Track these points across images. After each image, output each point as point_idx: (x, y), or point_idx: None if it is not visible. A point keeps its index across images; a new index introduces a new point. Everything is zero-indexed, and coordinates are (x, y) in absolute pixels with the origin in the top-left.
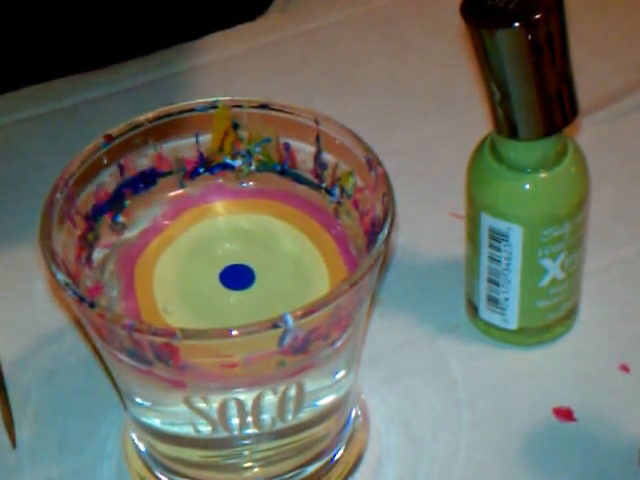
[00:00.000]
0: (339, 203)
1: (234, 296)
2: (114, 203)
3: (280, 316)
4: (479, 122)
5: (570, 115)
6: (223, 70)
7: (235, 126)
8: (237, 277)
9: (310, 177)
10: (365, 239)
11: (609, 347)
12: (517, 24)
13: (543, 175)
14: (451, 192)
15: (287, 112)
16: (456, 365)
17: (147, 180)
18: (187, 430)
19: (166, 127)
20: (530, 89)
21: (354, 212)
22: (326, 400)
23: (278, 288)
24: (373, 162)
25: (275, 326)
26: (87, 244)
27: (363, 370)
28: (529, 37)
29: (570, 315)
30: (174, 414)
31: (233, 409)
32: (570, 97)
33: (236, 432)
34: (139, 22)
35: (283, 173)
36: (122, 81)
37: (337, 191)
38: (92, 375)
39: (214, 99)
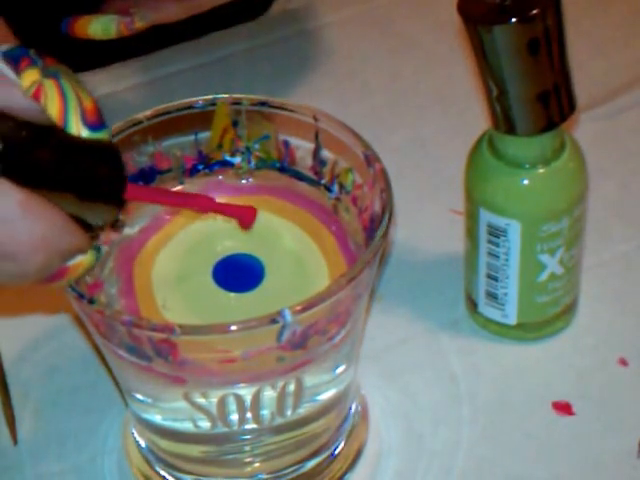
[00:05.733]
0: (338, 199)
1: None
2: None
3: (278, 311)
4: (478, 119)
5: (568, 111)
6: (223, 69)
7: (234, 123)
8: (237, 275)
9: (309, 174)
10: (364, 235)
11: (608, 341)
12: (514, 20)
13: (541, 171)
14: (451, 189)
15: (286, 109)
16: (456, 360)
17: (146, 177)
18: (187, 426)
19: (165, 125)
20: (527, 85)
21: (353, 208)
22: (326, 395)
23: (277, 284)
24: (371, 158)
25: (273, 321)
26: None
27: (363, 365)
28: (526, 33)
29: (569, 310)
30: (174, 410)
31: (232, 404)
32: (567, 93)
33: (236, 427)
34: None
35: (282, 170)
36: (122, 81)
37: (336, 187)
38: (93, 372)
39: (213, 96)
